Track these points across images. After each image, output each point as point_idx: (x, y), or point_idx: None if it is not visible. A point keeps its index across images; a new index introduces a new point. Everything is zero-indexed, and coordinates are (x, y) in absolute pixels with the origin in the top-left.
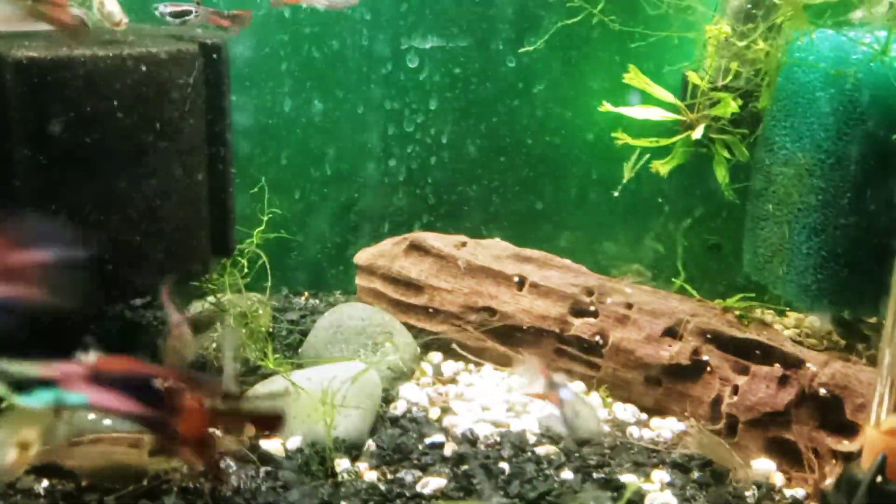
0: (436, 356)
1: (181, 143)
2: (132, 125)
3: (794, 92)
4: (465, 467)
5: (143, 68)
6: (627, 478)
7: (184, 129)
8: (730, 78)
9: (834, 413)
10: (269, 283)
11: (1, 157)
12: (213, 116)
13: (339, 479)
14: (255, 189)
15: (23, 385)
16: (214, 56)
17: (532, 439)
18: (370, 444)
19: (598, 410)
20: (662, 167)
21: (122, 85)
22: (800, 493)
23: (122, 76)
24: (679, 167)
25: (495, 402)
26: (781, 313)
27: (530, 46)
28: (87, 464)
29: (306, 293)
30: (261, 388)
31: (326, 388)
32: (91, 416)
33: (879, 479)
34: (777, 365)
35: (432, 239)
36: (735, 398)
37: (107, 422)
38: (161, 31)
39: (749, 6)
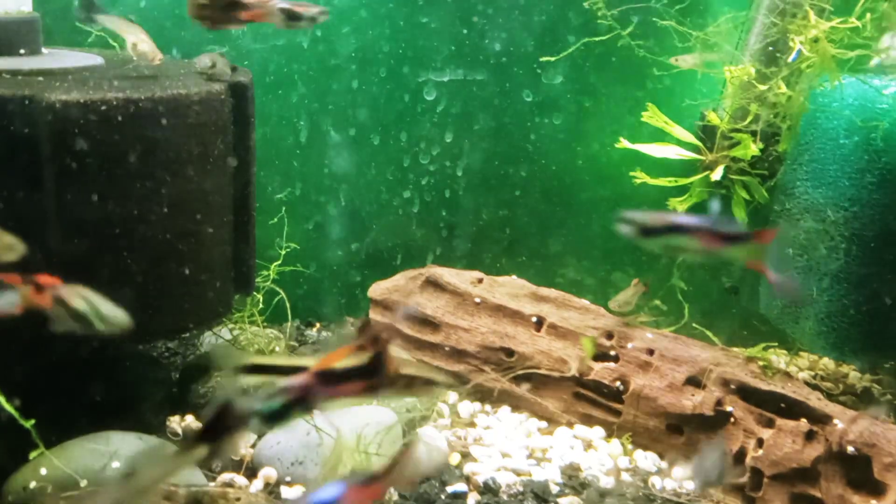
0: (451, 395)
1: (211, 182)
2: (163, 166)
3: (816, 137)
4: None
5: (175, 109)
6: None
7: (215, 169)
8: (749, 119)
9: (861, 471)
10: (288, 322)
11: (34, 198)
12: (239, 155)
13: None
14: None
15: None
16: (241, 95)
17: (555, 489)
18: (393, 493)
19: (619, 458)
20: (680, 205)
21: (153, 126)
22: None
23: (154, 117)
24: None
25: (515, 447)
26: (795, 354)
27: (550, 59)
28: None
29: (318, 325)
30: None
31: (360, 434)
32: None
33: None
34: (804, 420)
35: (448, 275)
36: (760, 451)
37: None
38: (192, 70)
39: (771, 49)
